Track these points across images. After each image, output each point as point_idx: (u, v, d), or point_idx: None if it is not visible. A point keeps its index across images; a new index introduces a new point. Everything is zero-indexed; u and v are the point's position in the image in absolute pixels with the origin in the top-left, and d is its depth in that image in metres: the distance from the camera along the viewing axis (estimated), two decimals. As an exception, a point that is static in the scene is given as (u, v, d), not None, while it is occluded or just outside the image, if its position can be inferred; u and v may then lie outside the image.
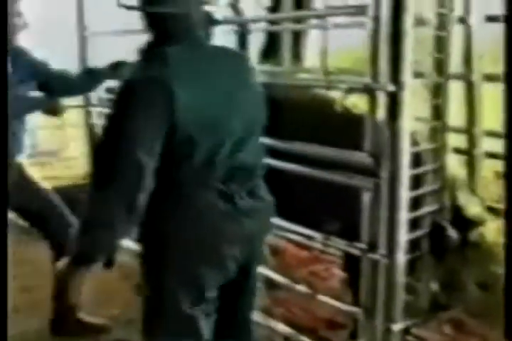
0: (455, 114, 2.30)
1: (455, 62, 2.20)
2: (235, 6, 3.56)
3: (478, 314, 2.18)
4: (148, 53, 1.76)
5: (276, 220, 2.57)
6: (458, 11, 2.21)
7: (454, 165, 2.26)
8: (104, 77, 3.09)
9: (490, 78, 2.32)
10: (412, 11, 1.97)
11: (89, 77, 3.09)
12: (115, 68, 3.03)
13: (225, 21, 3.14)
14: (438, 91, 2.19)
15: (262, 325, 2.67)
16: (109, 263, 1.75)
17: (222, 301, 1.89)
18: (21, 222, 3.15)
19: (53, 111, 2.93)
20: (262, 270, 2.76)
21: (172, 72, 1.65)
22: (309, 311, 2.85)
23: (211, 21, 2.69)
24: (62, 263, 1.68)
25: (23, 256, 3.64)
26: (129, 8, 1.77)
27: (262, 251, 1.98)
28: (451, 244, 2.18)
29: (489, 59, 2.37)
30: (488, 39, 2.33)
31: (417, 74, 2.11)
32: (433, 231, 2.19)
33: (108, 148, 1.65)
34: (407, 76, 1.98)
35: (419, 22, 2.11)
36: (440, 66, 2.19)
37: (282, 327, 2.64)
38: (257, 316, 2.68)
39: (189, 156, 1.69)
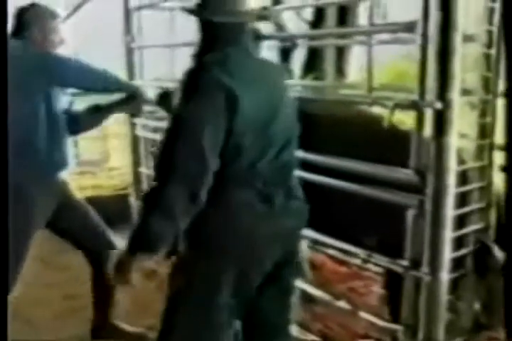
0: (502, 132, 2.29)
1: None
2: (278, 22, 3.60)
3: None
4: (206, 57, 1.83)
5: (317, 235, 2.59)
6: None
7: (501, 184, 2.23)
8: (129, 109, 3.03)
9: None
10: (461, 28, 1.96)
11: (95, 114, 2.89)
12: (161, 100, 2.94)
13: (270, 37, 3.18)
14: (485, 109, 2.17)
15: (299, 339, 2.67)
16: (171, 253, 1.79)
17: (256, 302, 1.95)
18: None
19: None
20: (301, 284, 2.78)
21: (234, 76, 1.73)
22: (347, 327, 2.83)
23: (258, 36, 2.73)
24: (118, 253, 1.73)
25: (65, 263, 3.72)
26: (190, 12, 1.86)
27: (298, 249, 2.06)
28: (496, 263, 2.15)
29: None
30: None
31: (465, 92, 2.10)
32: (478, 250, 2.16)
33: (174, 142, 1.69)
34: (454, 93, 1.96)
35: (468, 39, 2.10)
36: (488, 84, 2.17)
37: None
38: (294, 330, 2.70)
39: (236, 159, 1.76)
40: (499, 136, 2.20)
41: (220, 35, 1.83)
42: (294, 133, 1.94)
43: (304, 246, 2.61)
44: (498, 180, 2.21)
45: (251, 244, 1.81)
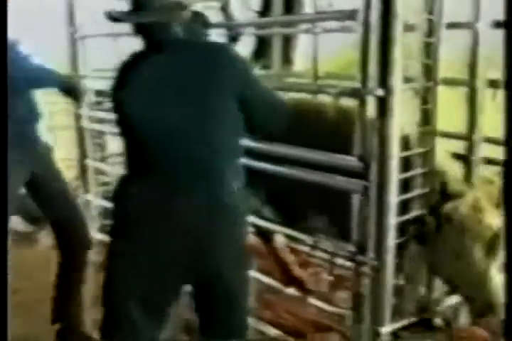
0: (450, 119, 2.34)
1: (444, 68, 2.22)
2: (225, 10, 3.58)
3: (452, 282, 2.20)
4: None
5: (265, 223, 2.61)
6: (447, 17, 2.23)
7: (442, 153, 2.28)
8: None
9: (493, 84, 2.35)
10: (402, 17, 1.99)
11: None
12: None
13: (216, 25, 3.16)
14: (427, 97, 2.21)
15: (251, 327, 2.68)
16: None
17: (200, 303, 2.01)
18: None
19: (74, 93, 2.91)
20: (251, 273, 2.79)
21: (121, 81, 1.93)
22: (298, 314, 2.86)
23: (205, 24, 2.71)
24: None
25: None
26: (111, 18, 1.91)
27: (231, 253, 1.96)
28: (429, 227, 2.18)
29: (490, 64, 2.40)
30: (489, 45, 2.37)
31: (407, 80, 2.13)
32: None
33: None
34: (396, 81, 1.99)
35: (408, 28, 2.13)
36: (429, 71, 2.20)
37: (271, 330, 2.65)
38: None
39: (141, 153, 1.89)
40: (441, 123, 2.25)
41: (143, 35, 1.93)
42: (215, 121, 1.87)
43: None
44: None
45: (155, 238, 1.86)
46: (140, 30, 1.92)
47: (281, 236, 3.21)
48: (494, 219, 2.13)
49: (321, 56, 3.57)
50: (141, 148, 1.88)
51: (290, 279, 3.05)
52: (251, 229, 2.85)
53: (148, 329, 1.90)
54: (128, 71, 1.93)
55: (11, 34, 2.60)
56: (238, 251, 1.98)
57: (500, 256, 2.12)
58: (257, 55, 5.28)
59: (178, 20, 1.92)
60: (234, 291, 1.99)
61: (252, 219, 2.65)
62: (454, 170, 2.32)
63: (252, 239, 3.26)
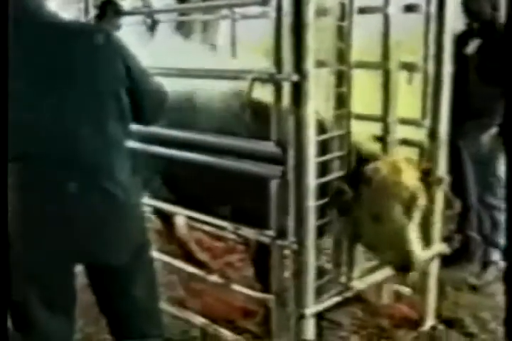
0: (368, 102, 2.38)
1: (357, 51, 2.25)
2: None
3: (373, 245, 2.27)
4: None
5: (189, 212, 2.59)
6: (358, 1, 2.25)
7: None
8: None
9: (406, 67, 2.41)
10: (314, 1, 1.99)
11: None
12: None
13: (134, 12, 3.10)
14: (341, 80, 2.23)
15: (177, 316, 2.67)
16: None
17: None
18: None
19: None
20: (177, 261, 2.78)
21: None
22: (224, 301, 2.86)
23: (118, 12, 2.65)
24: None
25: None
26: None
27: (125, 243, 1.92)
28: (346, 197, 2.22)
29: (405, 48, 2.46)
30: (403, 29, 2.42)
31: (321, 64, 2.15)
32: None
33: None
34: (309, 65, 2.00)
35: (322, 12, 2.14)
36: (342, 55, 2.23)
37: (198, 319, 2.64)
38: (172, 308, 2.70)
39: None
40: (355, 105, 2.28)
41: None
42: (94, 105, 1.77)
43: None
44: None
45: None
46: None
47: (182, 218, 3.21)
48: (412, 181, 2.19)
49: (245, 43, 3.57)
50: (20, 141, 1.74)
51: (192, 261, 3.06)
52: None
53: (55, 328, 1.89)
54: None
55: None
56: (135, 240, 1.95)
57: (417, 216, 2.20)
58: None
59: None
60: (130, 281, 1.96)
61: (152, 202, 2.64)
62: (367, 135, 2.37)
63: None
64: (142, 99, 1.88)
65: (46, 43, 1.73)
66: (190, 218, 2.93)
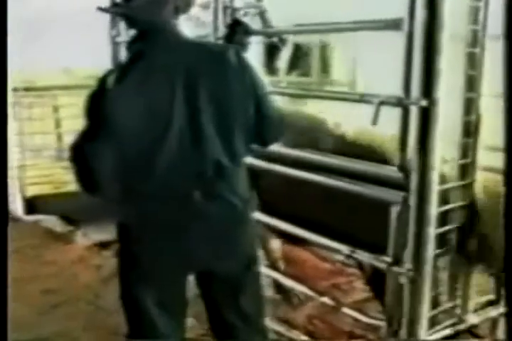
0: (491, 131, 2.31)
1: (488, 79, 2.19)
2: (263, 16, 3.59)
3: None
4: None
5: (300, 231, 2.60)
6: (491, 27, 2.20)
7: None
8: None
9: None
10: (448, 27, 1.97)
11: None
12: None
13: (263, 32, 3.16)
14: (470, 108, 2.19)
15: (283, 335, 2.68)
16: None
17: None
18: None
19: None
20: (284, 281, 2.79)
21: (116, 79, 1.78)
22: (331, 323, 2.84)
23: (247, 32, 2.72)
24: None
25: (48, 259, 3.70)
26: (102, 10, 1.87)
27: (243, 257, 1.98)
28: None
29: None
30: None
31: (450, 90, 2.11)
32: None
33: None
34: (439, 91, 1.97)
35: (452, 38, 2.11)
36: (472, 83, 2.18)
37: (303, 338, 2.64)
38: (277, 326, 2.71)
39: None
40: (485, 135, 2.21)
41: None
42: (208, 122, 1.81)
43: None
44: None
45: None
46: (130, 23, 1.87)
47: (277, 241, 3.21)
48: None
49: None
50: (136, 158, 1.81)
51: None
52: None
53: (169, 329, 1.94)
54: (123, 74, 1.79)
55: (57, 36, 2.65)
56: (247, 251, 2.00)
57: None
58: (293, 62, 5.26)
59: (161, 16, 1.84)
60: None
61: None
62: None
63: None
64: (263, 118, 1.90)
65: (183, 61, 1.81)
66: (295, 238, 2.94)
